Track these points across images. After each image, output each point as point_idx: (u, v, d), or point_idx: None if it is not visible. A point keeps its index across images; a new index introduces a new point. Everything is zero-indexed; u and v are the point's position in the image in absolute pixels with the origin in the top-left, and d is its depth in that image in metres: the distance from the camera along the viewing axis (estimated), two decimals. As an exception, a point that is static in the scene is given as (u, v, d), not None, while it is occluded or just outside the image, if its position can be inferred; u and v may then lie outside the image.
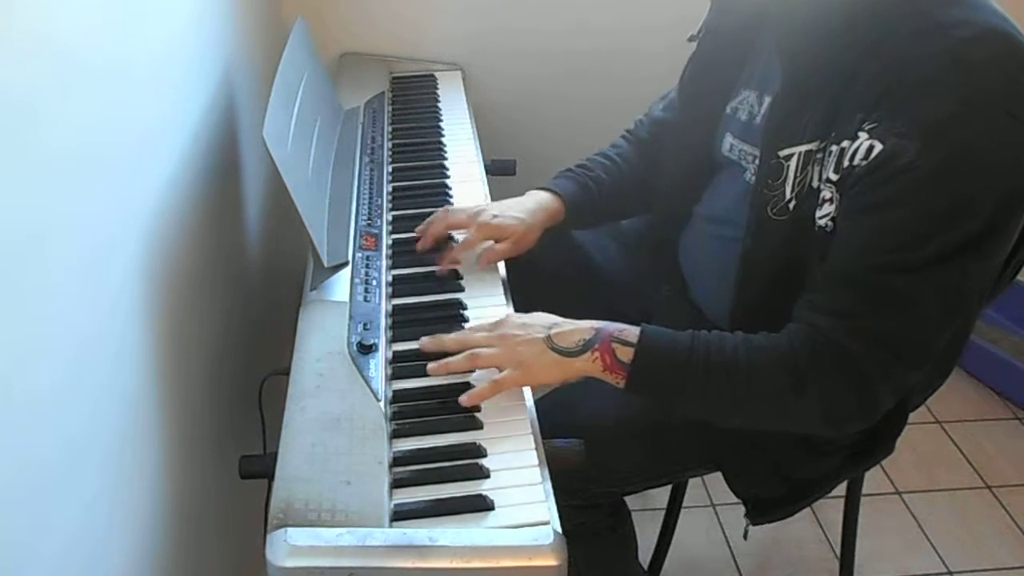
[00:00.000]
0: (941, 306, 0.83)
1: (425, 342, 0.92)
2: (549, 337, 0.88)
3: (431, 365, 0.90)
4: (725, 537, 1.57)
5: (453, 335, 0.92)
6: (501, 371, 0.88)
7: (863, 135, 0.81)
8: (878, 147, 0.79)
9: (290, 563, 0.70)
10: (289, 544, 0.71)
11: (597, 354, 0.87)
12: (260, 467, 0.83)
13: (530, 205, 1.10)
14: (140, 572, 0.78)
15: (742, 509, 1.08)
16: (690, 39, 1.07)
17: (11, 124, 0.56)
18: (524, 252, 1.08)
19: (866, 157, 0.80)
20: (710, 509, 1.62)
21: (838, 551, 1.45)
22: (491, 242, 1.06)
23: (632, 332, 0.88)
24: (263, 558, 0.71)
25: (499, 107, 1.68)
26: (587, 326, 0.89)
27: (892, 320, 0.82)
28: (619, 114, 1.72)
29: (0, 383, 0.54)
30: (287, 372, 0.89)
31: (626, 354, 0.87)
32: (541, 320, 0.91)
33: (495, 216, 1.07)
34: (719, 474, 1.07)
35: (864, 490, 1.27)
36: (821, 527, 1.59)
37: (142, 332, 0.79)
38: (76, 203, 0.66)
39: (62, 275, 0.63)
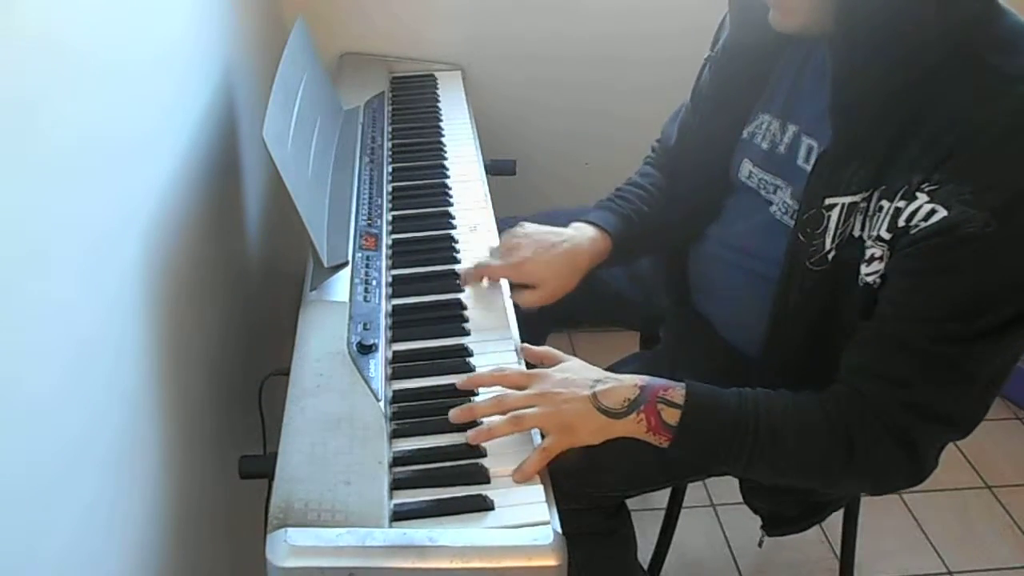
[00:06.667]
0: (993, 373, 0.80)
1: (455, 414, 0.85)
2: (595, 395, 0.83)
3: (470, 433, 0.83)
4: (725, 537, 1.57)
5: (487, 401, 0.85)
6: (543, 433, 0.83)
7: (923, 196, 0.76)
8: (941, 212, 0.75)
9: (290, 563, 0.70)
10: (289, 544, 0.71)
11: (643, 416, 0.83)
12: (260, 467, 0.83)
13: (573, 249, 1.04)
14: (140, 572, 0.78)
15: (743, 509, 1.08)
16: (707, 60, 1.04)
17: (11, 123, 0.56)
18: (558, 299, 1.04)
19: (926, 219, 0.76)
20: (710, 509, 1.61)
21: (838, 551, 1.45)
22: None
23: (678, 392, 0.84)
24: (263, 558, 0.71)
25: (499, 107, 1.68)
26: (631, 383, 0.85)
27: (944, 389, 0.80)
28: (618, 115, 1.73)
29: (0, 383, 0.54)
30: (287, 372, 0.89)
31: (672, 416, 0.83)
32: (582, 374, 0.86)
33: (527, 259, 1.02)
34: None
35: (864, 490, 1.27)
36: (821, 527, 1.59)
37: (142, 332, 0.79)
38: (76, 203, 0.66)
39: (62, 275, 0.63)
